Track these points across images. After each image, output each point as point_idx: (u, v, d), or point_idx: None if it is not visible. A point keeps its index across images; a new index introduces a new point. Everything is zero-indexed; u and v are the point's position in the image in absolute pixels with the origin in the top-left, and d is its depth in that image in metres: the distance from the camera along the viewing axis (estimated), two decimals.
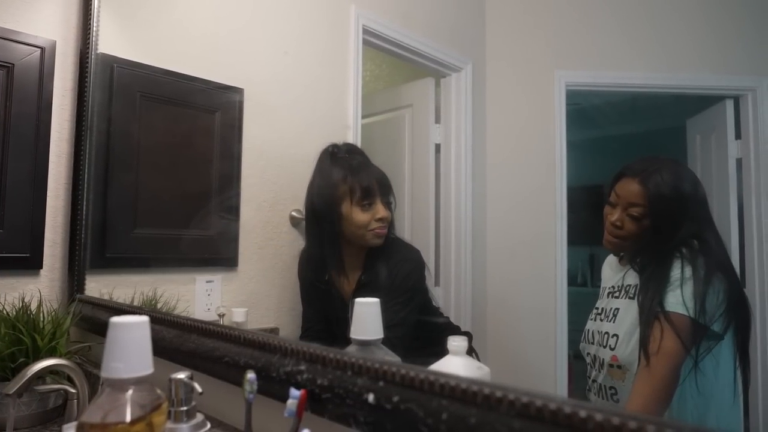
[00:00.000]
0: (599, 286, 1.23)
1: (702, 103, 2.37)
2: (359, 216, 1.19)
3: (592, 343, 1.13)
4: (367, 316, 0.69)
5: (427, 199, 2.03)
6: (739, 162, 2.18)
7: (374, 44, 1.72)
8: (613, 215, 1.08)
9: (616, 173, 1.12)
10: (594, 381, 1.11)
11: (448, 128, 2.05)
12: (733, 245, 2.15)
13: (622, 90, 2.24)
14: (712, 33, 2.14)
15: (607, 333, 1.08)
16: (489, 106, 2.16)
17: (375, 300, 0.69)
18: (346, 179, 1.19)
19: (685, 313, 0.94)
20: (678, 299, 0.95)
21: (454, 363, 0.71)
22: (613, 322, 1.07)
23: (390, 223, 1.23)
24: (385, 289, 1.19)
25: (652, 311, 0.96)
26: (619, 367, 1.02)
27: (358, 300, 0.70)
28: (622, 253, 1.17)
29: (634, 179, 1.06)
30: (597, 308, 1.17)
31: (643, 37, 2.14)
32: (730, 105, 2.22)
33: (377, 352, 0.68)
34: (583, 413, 0.41)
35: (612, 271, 1.19)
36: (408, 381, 0.55)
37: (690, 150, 2.51)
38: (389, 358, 0.66)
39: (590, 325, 1.17)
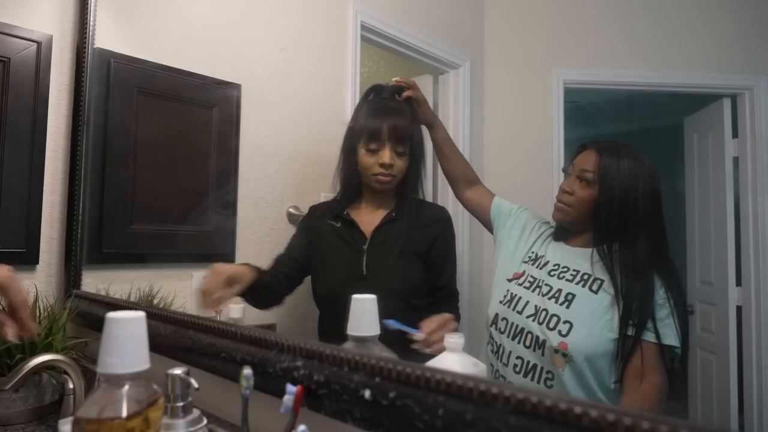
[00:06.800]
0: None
1: (699, 101, 2.38)
2: (365, 159, 1.19)
3: (520, 313, 1.08)
4: (363, 312, 0.69)
5: (425, 196, 2.03)
6: (735, 160, 2.19)
7: (372, 41, 1.72)
8: (564, 183, 1.10)
9: (577, 147, 1.13)
10: (519, 357, 1.07)
11: (446, 125, 2.04)
12: (730, 243, 2.16)
13: (619, 88, 2.24)
14: (709, 31, 2.14)
15: (556, 316, 1.03)
16: (487, 104, 2.16)
17: (372, 296, 0.69)
18: (362, 119, 1.20)
19: (678, 345, 0.97)
20: (672, 331, 0.97)
21: (451, 360, 0.71)
22: (567, 307, 1.03)
23: (406, 175, 1.21)
24: (415, 233, 1.20)
25: (641, 336, 0.97)
26: (564, 354, 1.00)
27: (355, 296, 0.69)
28: (568, 234, 1.15)
29: (591, 149, 1.08)
30: (533, 277, 1.12)
31: (642, 35, 2.14)
32: (727, 103, 2.22)
33: (374, 349, 0.68)
34: (578, 410, 0.42)
35: (557, 248, 1.15)
36: (404, 377, 0.55)
37: (687, 148, 2.51)
38: (386, 354, 0.67)
39: (521, 292, 1.11)
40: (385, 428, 0.56)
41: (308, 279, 1.26)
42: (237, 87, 1.33)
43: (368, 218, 1.23)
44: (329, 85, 1.58)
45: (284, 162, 1.43)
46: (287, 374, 0.66)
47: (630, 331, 0.97)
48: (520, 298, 1.11)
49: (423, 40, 1.87)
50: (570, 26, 2.17)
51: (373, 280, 1.15)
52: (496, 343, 1.12)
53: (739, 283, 2.14)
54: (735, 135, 2.20)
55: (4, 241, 1.10)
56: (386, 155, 1.16)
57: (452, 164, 1.36)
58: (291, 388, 0.59)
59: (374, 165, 1.17)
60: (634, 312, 0.98)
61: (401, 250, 1.17)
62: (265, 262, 1.36)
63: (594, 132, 3.15)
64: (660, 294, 0.99)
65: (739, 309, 2.14)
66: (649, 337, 0.96)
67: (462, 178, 1.36)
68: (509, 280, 1.16)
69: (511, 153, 2.15)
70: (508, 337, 1.10)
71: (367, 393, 0.57)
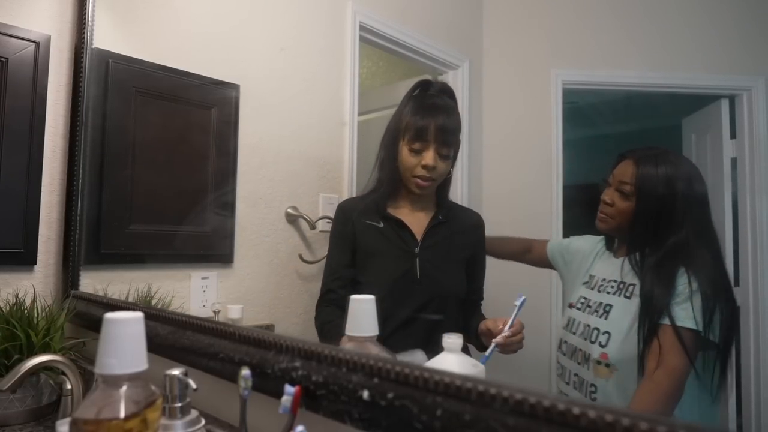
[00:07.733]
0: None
1: (698, 102, 2.38)
2: (407, 158, 1.14)
3: (574, 333, 1.12)
4: (362, 313, 0.69)
5: None
6: (734, 161, 2.19)
7: (371, 41, 1.72)
8: (605, 194, 1.11)
9: (617, 156, 1.13)
10: (575, 374, 1.10)
11: None
12: (728, 243, 2.16)
13: (618, 89, 2.24)
14: (708, 32, 2.15)
15: (597, 329, 1.06)
16: (485, 104, 2.16)
17: (370, 297, 0.69)
18: (408, 116, 1.15)
19: (695, 327, 0.94)
20: (688, 313, 0.95)
21: (449, 360, 0.71)
22: (605, 318, 1.06)
23: (446, 178, 1.19)
24: (461, 239, 1.20)
25: (658, 321, 0.96)
26: (607, 365, 1.02)
27: (354, 297, 0.69)
28: (615, 243, 1.16)
29: (630, 160, 1.08)
30: (585, 298, 1.14)
31: (640, 36, 2.14)
32: (725, 104, 2.23)
33: (372, 349, 0.68)
34: (576, 410, 0.42)
35: (604, 263, 1.17)
36: (403, 378, 0.55)
37: (685, 149, 2.51)
38: (384, 355, 0.67)
39: (575, 314, 1.14)
40: (384, 429, 0.56)
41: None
42: (236, 87, 1.33)
43: (413, 219, 1.19)
44: (328, 85, 1.58)
45: (283, 162, 1.43)
46: (285, 375, 0.66)
47: (647, 321, 0.98)
48: (574, 320, 1.15)
49: (421, 40, 1.87)
50: (569, 27, 2.17)
51: (429, 285, 1.13)
52: (561, 365, 1.16)
53: (737, 283, 2.14)
54: (733, 136, 2.20)
55: (1, 242, 1.10)
56: (430, 156, 1.11)
57: (506, 252, 1.41)
58: (289, 389, 0.59)
59: (416, 166, 1.13)
60: (652, 302, 0.98)
61: (454, 255, 1.17)
62: (263, 262, 1.37)
63: (593, 133, 3.16)
64: (681, 281, 0.98)
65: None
66: (664, 320, 0.96)
67: (518, 253, 1.41)
68: (569, 307, 1.19)
69: (510, 154, 2.15)
70: (567, 357, 1.14)
71: (366, 393, 0.57)
